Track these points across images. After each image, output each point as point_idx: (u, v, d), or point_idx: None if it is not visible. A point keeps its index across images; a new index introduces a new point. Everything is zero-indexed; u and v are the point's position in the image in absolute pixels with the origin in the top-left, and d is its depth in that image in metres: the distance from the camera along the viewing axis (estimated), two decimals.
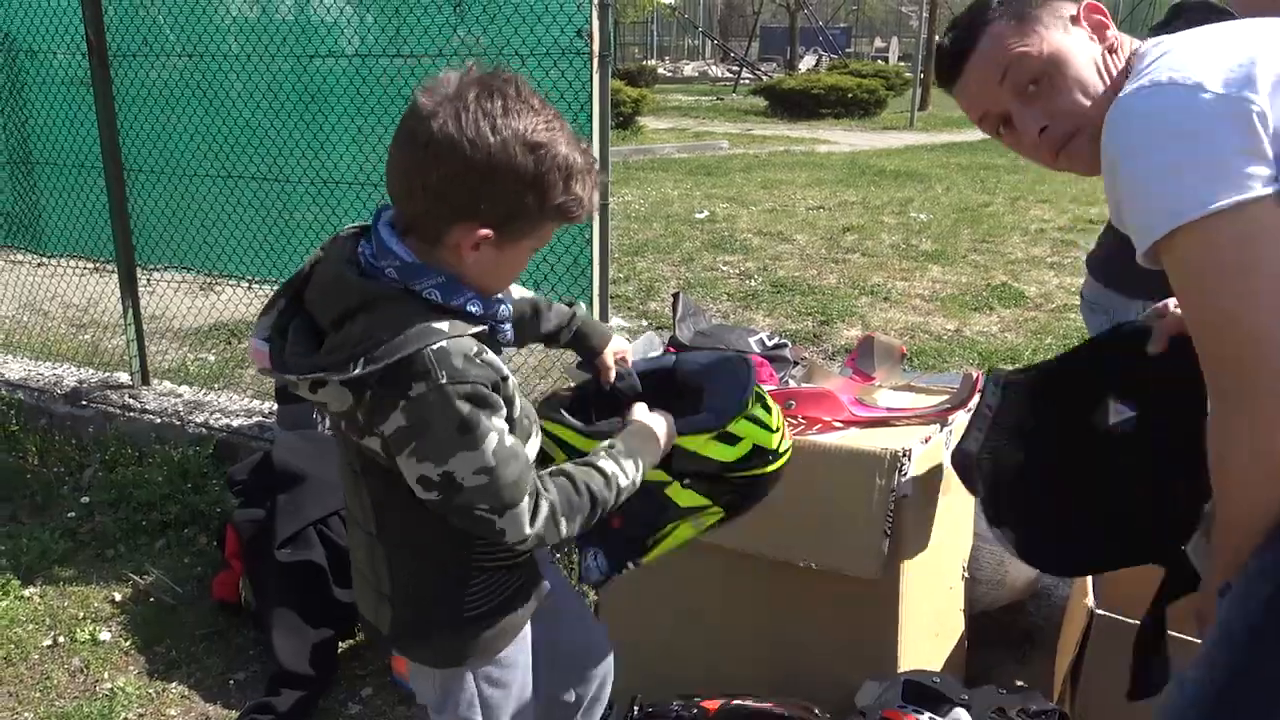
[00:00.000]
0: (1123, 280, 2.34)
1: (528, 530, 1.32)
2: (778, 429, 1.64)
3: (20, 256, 5.00)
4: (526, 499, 1.32)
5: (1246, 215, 1.18)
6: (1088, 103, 1.42)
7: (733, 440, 1.59)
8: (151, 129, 3.88)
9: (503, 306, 1.41)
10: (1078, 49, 1.44)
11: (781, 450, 1.65)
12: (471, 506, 1.30)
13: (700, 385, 1.69)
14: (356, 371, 1.25)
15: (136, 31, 3.79)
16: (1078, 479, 1.56)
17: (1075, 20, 1.45)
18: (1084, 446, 1.55)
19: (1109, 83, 1.42)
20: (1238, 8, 2.03)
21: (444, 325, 1.28)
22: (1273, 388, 1.19)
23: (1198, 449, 1.31)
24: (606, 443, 1.48)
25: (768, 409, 1.64)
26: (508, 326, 1.43)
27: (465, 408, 1.26)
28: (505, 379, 1.33)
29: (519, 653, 1.56)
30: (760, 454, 1.61)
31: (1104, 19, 1.47)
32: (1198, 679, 1.30)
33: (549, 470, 1.41)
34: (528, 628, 1.56)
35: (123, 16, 3.80)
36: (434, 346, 1.26)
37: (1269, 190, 1.18)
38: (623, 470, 1.44)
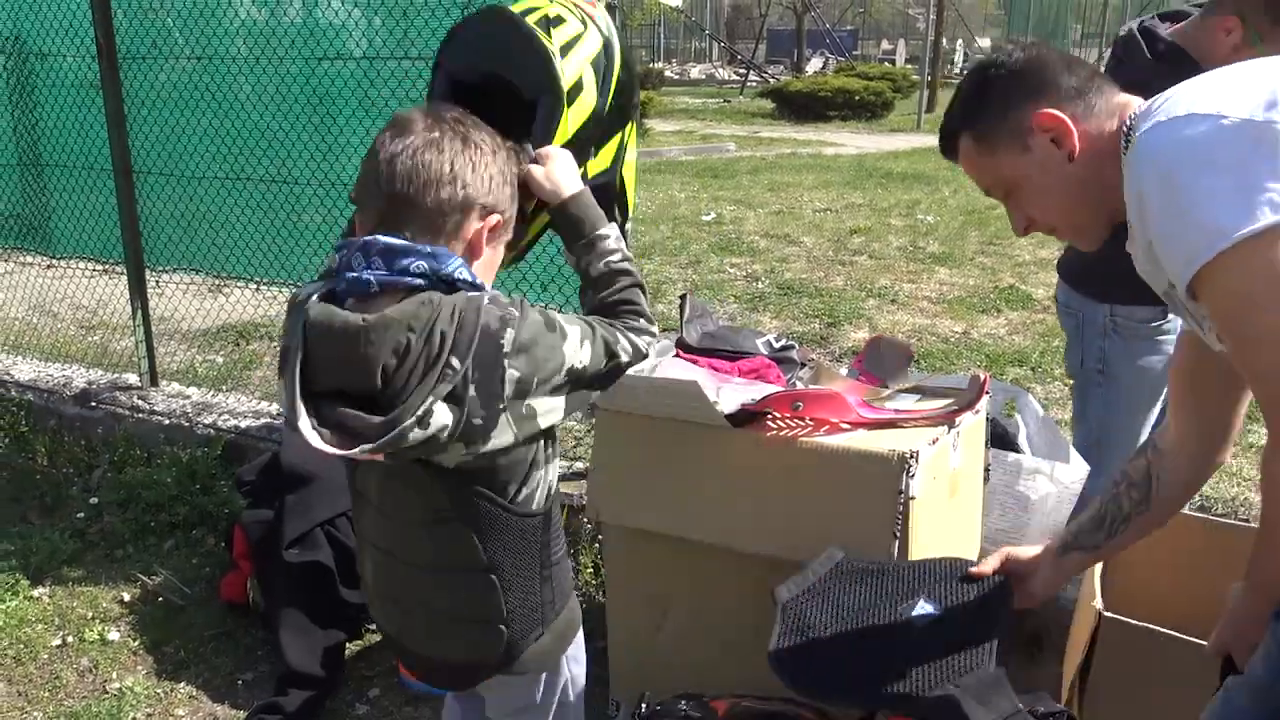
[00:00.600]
0: (1089, 284, 2.39)
1: (637, 338, 1.48)
2: (557, 15, 1.56)
3: (30, 258, 5.02)
4: (615, 326, 1.46)
5: None
6: (1061, 211, 1.46)
7: (579, 87, 1.54)
8: (160, 131, 3.90)
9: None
10: (1038, 167, 1.43)
11: (604, 33, 1.61)
12: (601, 369, 1.43)
13: (485, 82, 1.54)
14: (459, 370, 1.27)
15: (146, 34, 3.81)
16: (860, 643, 1.65)
17: (1031, 133, 1.42)
18: (879, 625, 1.67)
19: (1080, 184, 1.42)
20: (1204, 57, 2.04)
21: (475, 291, 1.35)
22: None
23: (975, 654, 1.47)
24: (584, 243, 1.50)
25: (544, 22, 1.54)
26: None
27: (539, 316, 1.37)
28: None
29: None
30: (603, 60, 1.58)
31: (1058, 125, 1.40)
32: (1252, 688, 1.31)
33: (586, 300, 1.53)
34: None
35: (132, 19, 3.81)
36: (486, 302, 1.32)
37: None
38: (607, 236, 1.51)
